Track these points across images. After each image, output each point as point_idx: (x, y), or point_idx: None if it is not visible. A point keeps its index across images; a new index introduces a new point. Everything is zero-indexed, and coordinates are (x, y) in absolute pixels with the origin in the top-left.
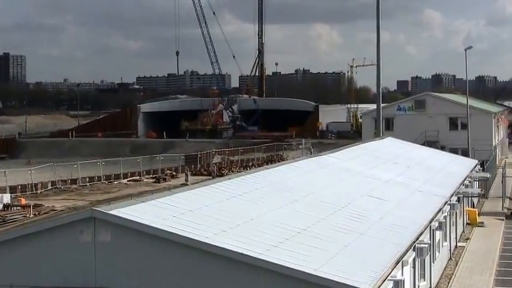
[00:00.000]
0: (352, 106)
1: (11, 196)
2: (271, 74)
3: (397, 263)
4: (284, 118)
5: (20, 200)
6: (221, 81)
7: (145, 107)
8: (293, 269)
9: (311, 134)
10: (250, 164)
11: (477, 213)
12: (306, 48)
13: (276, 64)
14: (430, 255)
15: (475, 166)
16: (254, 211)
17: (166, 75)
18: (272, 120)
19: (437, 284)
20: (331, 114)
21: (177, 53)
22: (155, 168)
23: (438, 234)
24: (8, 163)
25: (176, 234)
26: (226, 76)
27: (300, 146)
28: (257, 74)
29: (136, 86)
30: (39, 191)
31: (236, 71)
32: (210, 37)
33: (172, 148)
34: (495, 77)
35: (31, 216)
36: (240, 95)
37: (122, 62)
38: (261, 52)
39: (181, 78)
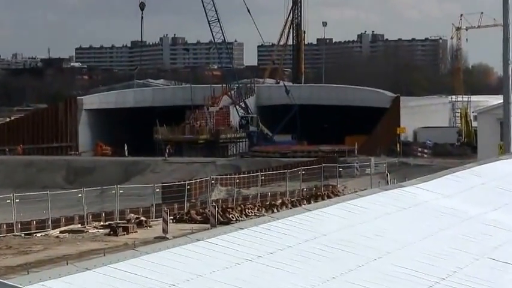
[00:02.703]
0: (460, 99)
1: None
2: (315, 42)
3: None
4: (339, 121)
5: None
6: (226, 55)
7: (92, 101)
8: None
9: (386, 149)
10: (279, 202)
11: None
12: None
13: (324, 25)
14: None
15: None
16: (284, 286)
17: (128, 45)
18: (317, 125)
19: None
20: (422, 114)
21: (142, 5)
22: (109, 210)
23: None
24: None
25: None
26: (235, 46)
27: (367, 170)
28: (290, 42)
29: (76, 64)
30: None
31: (253, 36)
32: None
33: (139, 174)
34: None
35: None
36: (260, 80)
37: (50, 24)
38: (296, 3)
39: (155, 51)
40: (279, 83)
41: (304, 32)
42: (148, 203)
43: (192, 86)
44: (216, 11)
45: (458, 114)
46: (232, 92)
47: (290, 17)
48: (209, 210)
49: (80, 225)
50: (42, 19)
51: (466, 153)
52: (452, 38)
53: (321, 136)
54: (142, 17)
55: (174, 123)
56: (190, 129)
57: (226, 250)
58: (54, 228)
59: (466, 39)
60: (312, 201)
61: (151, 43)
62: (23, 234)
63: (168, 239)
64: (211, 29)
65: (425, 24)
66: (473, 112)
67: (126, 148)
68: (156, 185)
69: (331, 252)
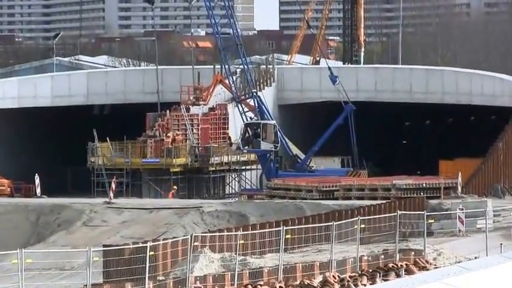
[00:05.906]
0: None
1: None
2: None
3: None
4: (427, 132)
5: None
6: (223, 10)
7: None
8: None
9: None
10: (318, 280)
11: None
12: None
13: None
14: None
15: None
16: None
17: None
18: (388, 140)
19: None
20: None
21: None
22: None
23: None
24: None
25: None
26: None
27: (480, 223)
28: None
29: None
30: None
31: None
32: None
33: (61, 228)
34: None
35: None
36: (285, 57)
37: None
38: None
39: (91, 3)
40: (318, 62)
41: None
42: (80, 282)
43: (160, 67)
44: None
45: None
46: (234, 78)
47: None
48: None
49: None
50: None
51: None
52: None
53: (394, 160)
54: None
55: (126, 136)
56: (155, 147)
57: None
58: None
59: None
60: (378, 280)
61: None
62: None
63: None
64: None
65: None
66: None
67: (37, 182)
68: (93, 250)
69: None
